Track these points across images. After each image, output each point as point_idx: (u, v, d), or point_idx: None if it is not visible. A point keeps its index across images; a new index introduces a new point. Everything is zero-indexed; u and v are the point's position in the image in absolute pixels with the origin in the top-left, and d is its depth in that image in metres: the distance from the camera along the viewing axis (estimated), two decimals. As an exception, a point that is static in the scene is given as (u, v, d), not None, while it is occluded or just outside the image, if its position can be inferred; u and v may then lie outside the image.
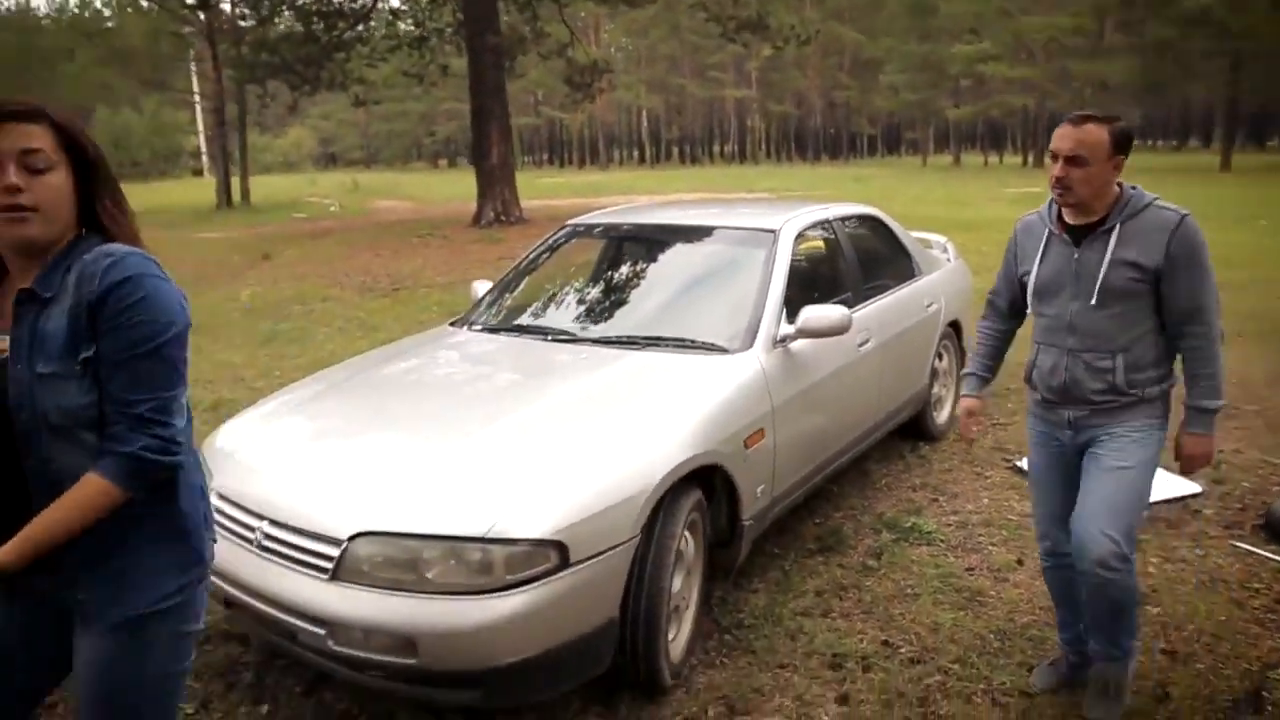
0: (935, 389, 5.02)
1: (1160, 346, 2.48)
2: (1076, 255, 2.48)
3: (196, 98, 48.43)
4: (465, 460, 2.66)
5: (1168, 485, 4.12)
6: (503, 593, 2.29)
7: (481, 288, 4.28)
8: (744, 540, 3.13)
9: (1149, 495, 2.55)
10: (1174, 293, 2.40)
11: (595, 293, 4.13)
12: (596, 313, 3.90)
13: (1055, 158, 2.39)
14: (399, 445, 2.87)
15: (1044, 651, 3.01)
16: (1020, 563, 3.65)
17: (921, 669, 2.94)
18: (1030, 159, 52.70)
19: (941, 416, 5.14)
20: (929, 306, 4.78)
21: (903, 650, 3.05)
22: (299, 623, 2.44)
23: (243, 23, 23.94)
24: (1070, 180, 2.38)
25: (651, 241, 4.33)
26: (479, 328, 3.94)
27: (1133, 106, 50.29)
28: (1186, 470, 2.58)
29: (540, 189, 24.29)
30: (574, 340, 3.59)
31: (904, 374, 4.50)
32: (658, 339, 3.44)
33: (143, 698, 1.69)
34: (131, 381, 1.54)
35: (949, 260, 5.55)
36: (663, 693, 2.80)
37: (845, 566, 3.64)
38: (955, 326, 5.22)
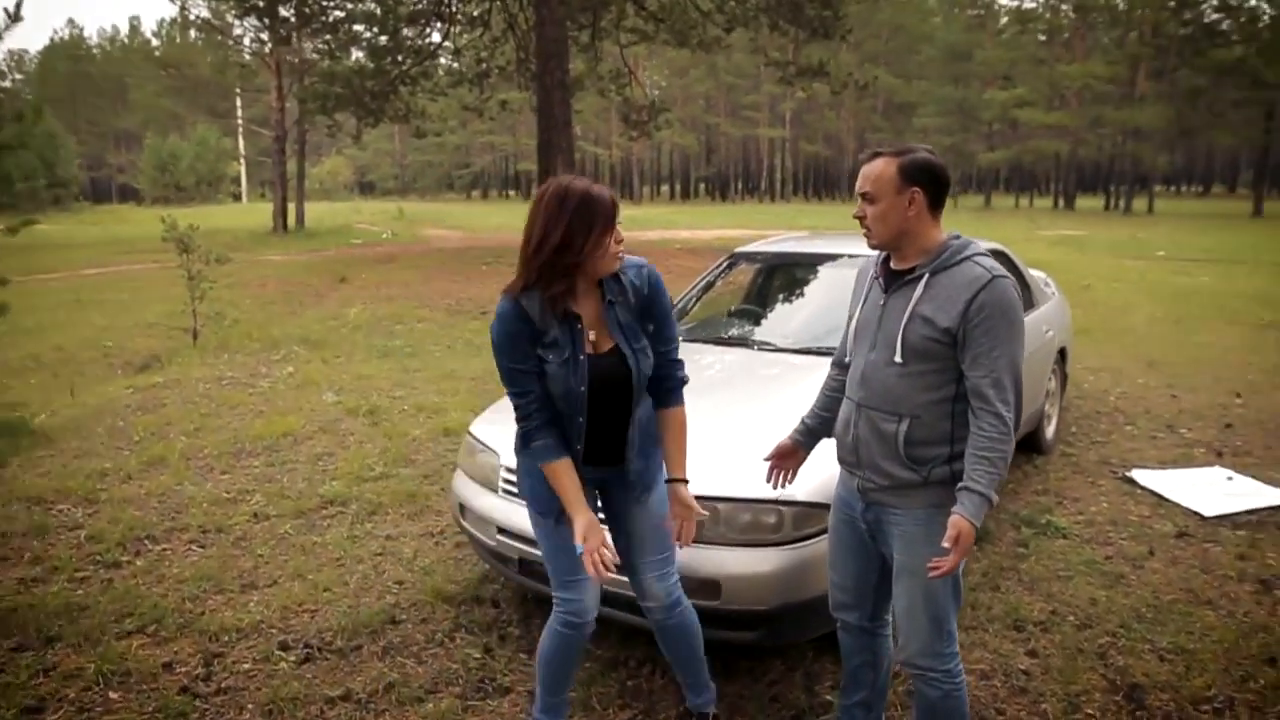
0: (1045, 407, 5.56)
1: (955, 420, 2.18)
2: (883, 303, 2.26)
3: (240, 125, 49.95)
4: (750, 437, 3.07)
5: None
6: (791, 545, 2.83)
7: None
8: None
9: (952, 595, 2.28)
10: (967, 361, 2.12)
11: (782, 309, 4.80)
12: (791, 325, 4.46)
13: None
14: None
15: (1191, 626, 3.49)
16: (1151, 553, 4.15)
17: (1091, 632, 3.45)
18: (1061, 202, 53.27)
19: (1049, 432, 5.67)
20: (1046, 333, 5.32)
21: (1070, 618, 3.56)
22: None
23: (315, 56, 25.05)
24: (867, 218, 2.21)
25: (809, 266, 4.92)
26: (684, 339, 4.48)
27: (1164, 152, 50.89)
28: (950, 544, 2.05)
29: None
30: (776, 350, 4.16)
31: (1029, 392, 5.03)
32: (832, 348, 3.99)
33: None
34: None
35: (1052, 294, 6.11)
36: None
37: (999, 553, 4.16)
38: (1063, 353, 5.78)
